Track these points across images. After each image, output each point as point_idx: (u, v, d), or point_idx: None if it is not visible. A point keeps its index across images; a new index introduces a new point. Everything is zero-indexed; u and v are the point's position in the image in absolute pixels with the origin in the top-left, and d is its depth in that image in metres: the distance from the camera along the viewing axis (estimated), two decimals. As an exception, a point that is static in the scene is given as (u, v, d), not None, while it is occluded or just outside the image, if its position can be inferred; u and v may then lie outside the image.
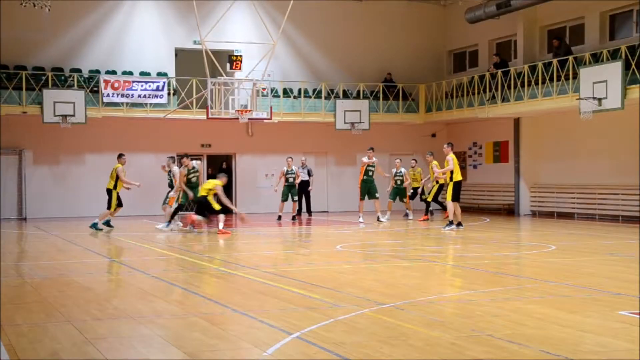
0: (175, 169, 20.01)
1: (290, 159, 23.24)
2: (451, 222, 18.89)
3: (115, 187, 19.65)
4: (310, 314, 7.94)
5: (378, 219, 22.01)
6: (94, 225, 19.62)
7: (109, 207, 19.77)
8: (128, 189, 20.14)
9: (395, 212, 23.85)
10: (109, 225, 19.97)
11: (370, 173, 22.20)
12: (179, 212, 19.80)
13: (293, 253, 15.25)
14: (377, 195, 22.28)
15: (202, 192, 18.83)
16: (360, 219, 22.00)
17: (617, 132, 22.35)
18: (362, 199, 22.27)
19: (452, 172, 18.69)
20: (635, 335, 6.87)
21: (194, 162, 19.95)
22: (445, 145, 19.28)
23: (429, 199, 22.69)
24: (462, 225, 19.02)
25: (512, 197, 26.41)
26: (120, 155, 20.23)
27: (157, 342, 6.86)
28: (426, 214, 22.95)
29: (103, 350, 6.42)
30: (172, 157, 21.28)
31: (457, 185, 18.75)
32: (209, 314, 8.11)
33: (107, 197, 19.77)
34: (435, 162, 22.03)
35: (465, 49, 29.71)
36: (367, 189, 22.17)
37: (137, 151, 26.64)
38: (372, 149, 22.59)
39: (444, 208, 22.80)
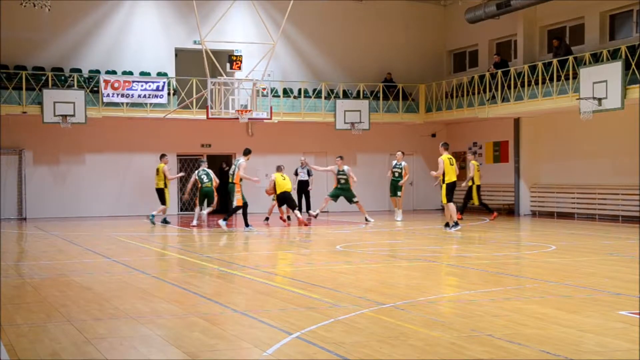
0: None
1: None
2: (456, 223, 18.78)
3: (165, 185, 21.57)
4: (310, 314, 7.94)
5: (366, 220, 22.00)
6: (152, 218, 21.82)
7: (163, 203, 21.77)
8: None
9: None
10: (166, 222, 21.81)
11: (343, 181, 22.21)
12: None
13: (293, 253, 15.25)
14: (355, 199, 22.34)
15: (285, 187, 20.83)
16: (317, 212, 22.73)
17: (617, 132, 22.34)
18: (330, 196, 22.56)
19: (444, 174, 18.59)
20: (635, 335, 6.87)
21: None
22: (440, 146, 19.24)
23: (476, 203, 22.59)
24: (450, 226, 19.05)
25: (512, 197, 26.41)
26: (163, 155, 22.00)
27: (157, 342, 6.86)
28: (491, 211, 22.89)
29: (103, 350, 6.42)
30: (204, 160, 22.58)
31: (450, 186, 18.69)
32: (209, 314, 8.10)
33: (156, 196, 21.92)
34: (474, 162, 22.18)
35: (465, 49, 29.72)
36: (342, 196, 22.37)
37: (137, 151, 26.67)
38: (340, 157, 22.59)
39: (488, 209, 23.17)
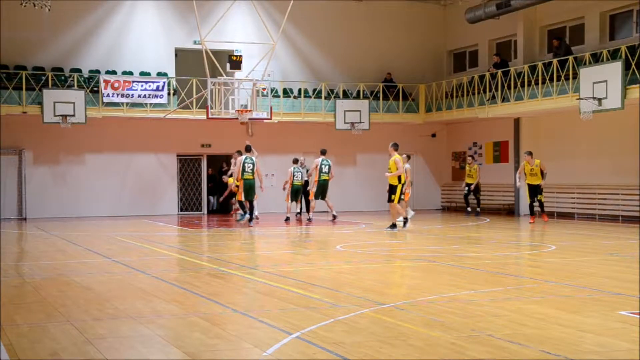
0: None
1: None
2: (394, 225, 18.82)
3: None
4: (310, 314, 7.94)
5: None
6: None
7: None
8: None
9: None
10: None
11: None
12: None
13: (293, 253, 15.25)
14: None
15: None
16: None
17: (617, 132, 22.34)
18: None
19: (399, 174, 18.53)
20: (635, 335, 6.87)
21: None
22: (390, 146, 18.98)
23: (542, 199, 21.89)
24: (407, 222, 19.26)
25: (512, 197, 26.40)
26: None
27: (157, 342, 6.86)
28: (543, 212, 22.32)
29: (103, 350, 6.42)
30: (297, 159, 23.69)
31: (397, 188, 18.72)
32: (209, 314, 8.10)
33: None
34: (538, 161, 21.48)
35: (465, 49, 29.71)
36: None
37: (137, 151, 26.66)
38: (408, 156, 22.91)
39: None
